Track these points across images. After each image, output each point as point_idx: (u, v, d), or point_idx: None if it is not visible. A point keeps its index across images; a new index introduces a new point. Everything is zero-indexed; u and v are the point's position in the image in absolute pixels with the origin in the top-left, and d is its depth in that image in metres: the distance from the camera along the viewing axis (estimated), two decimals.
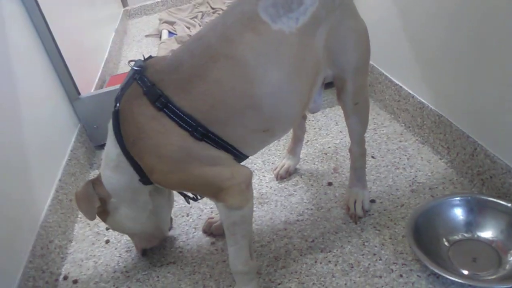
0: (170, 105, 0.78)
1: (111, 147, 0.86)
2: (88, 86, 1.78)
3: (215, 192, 0.82)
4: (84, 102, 1.56)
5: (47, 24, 1.42)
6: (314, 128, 1.46)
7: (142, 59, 0.85)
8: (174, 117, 0.78)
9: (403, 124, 1.36)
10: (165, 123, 0.78)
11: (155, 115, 0.78)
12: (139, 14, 3.50)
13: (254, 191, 1.22)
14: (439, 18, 1.05)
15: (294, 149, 1.26)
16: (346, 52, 0.89)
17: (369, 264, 0.94)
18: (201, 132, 0.78)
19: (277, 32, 0.80)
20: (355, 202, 1.07)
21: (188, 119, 0.78)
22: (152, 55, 0.88)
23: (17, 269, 0.95)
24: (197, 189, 0.87)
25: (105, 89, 1.58)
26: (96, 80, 1.92)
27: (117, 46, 2.65)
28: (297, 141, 1.24)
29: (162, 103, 0.77)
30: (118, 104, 0.82)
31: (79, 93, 1.55)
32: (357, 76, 0.93)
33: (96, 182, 0.92)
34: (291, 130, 1.23)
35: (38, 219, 1.10)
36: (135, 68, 0.82)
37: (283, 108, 0.83)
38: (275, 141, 1.44)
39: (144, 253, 1.11)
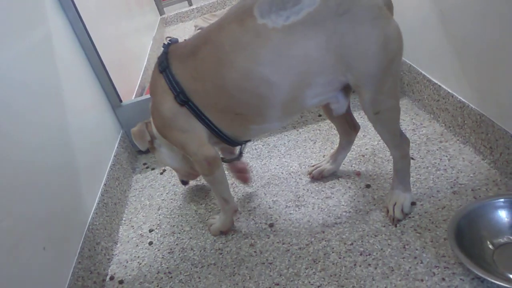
0: (167, 70, 0.97)
1: None
2: (129, 93, 1.85)
3: (189, 155, 1.05)
4: (126, 109, 1.62)
5: (90, 36, 1.49)
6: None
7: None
8: (167, 80, 0.97)
9: (443, 124, 1.33)
10: (163, 84, 0.98)
11: (158, 76, 1.00)
12: (175, 22, 3.59)
13: (291, 194, 1.24)
14: (480, 15, 1.02)
15: (335, 155, 1.25)
16: (360, 60, 0.88)
17: (410, 267, 0.93)
18: (181, 98, 0.96)
19: (260, 26, 0.87)
20: (394, 204, 1.05)
21: (175, 84, 0.96)
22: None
23: (67, 269, 1.00)
24: (179, 148, 1.07)
25: (145, 96, 1.63)
26: (137, 87, 1.99)
27: (156, 53, 2.73)
28: (340, 149, 1.23)
29: (163, 67, 0.98)
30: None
31: (121, 101, 1.62)
32: (375, 84, 0.90)
33: (148, 124, 1.16)
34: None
35: (85, 222, 1.16)
36: (168, 42, 1.02)
37: (251, 96, 0.91)
38: (311, 145, 1.44)
39: (183, 183, 1.39)
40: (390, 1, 0.93)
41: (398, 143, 1.02)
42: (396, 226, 1.03)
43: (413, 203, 1.08)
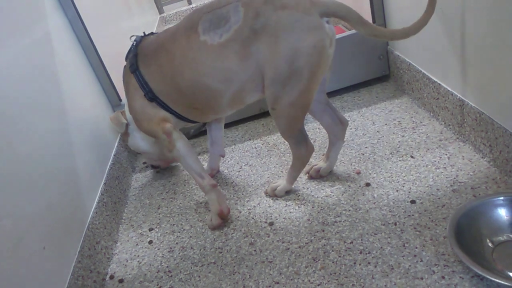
0: (137, 71, 1.13)
1: None
2: None
3: (156, 137, 1.19)
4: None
5: (89, 35, 1.49)
6: (351, 129, 1.45)
7: (143, 34, 1.20)
8: (137, 80, 1.13)
9: (443, 122, 1.32)
10: (134, 83, 1.15)
11: (129, 76, 1.16)
12: (175, 20, 3.59)
13: (290, 192, 1.24)
14: (479, 11, 1.02)
15: (327, 153, 1.26)
16: (267, 66, 0.99)
17: (410, 265, 0.93)
18: (149, 96, 1.13)
19: (202, 42, 1.03)
20: (274, 183, 1.26)
21: (144, 84, 1.13)
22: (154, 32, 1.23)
23: (67, 268, 1.00)
24: (148, 134, 1.21)
25: None
26: None
27: None
28: (330, 146, 1.24)
29: (133, 68, 1.14)
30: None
31: (120, 100, 1.62)
32: (275, 87, 1.01)
33: (123, 112, 1.39)
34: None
35: (85, 221, 1.16)
36: (136, 41, 1.18)
37: (201, 97, 1.09)
38: None
39: (153, 167, 1.57)
40: (335, 9, 0.98)
41: (294, 143, 1.13)
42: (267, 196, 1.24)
43: (412, 201, 1.08)
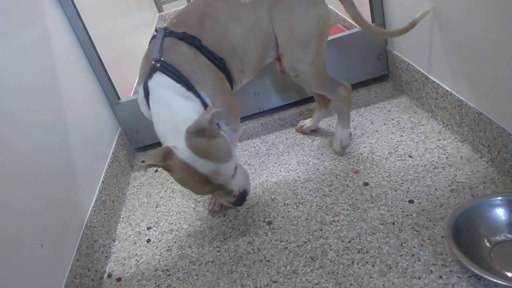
0: (202, 44, 1.06)
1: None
2: (127, 91, 1.85)
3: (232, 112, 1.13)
4: (124, 106, 1.62)
5: (88, 33, 1.48)
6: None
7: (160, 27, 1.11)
8: (206, 52, 1.06)
9: (441, 123, 1.33)
10: (204, 59, 1.06)
11: (198, 55, 1.06)
12: None
13: (289, 191, 1.24)
14: (477, 12, 1.02)
15: (313, 115, 1.49)
16: (282, 35, 1.16)
17: (408, 265, 0.93)
18: (221, 64, 1.09)
19: (237, 1, 1.13)
20: (335, 141, 1.33)
21: (213, 54, 1.07)
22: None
23: (65, 266, 1.00)
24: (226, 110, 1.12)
25: None
26: (135, 84, 1.99)
27: None
28: (316, 110, 1.47)
29: (197, 43, 1.06)
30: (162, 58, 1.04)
31: (119, 98, 1.61)
32: (292, 55, 1.16)
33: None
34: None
35: (83, 220, 1.16)
36: (162, 28, 1.08)
37: (247, 54, 1.14)
38: (309, 143, 1.44)
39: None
40: None
41: (330, 91, 1.27)
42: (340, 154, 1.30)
43: (410, 201, 1.08)
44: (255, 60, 1.17)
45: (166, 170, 0.98)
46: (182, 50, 1.04)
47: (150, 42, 1.12)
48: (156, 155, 0.95)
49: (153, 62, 1.03)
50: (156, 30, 1.10)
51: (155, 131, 1.03)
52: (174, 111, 0.99)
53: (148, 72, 1.03)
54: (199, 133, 0.94)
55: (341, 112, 1.31)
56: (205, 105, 1.04)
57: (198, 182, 0.97)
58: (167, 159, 0.95)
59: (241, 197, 1.03)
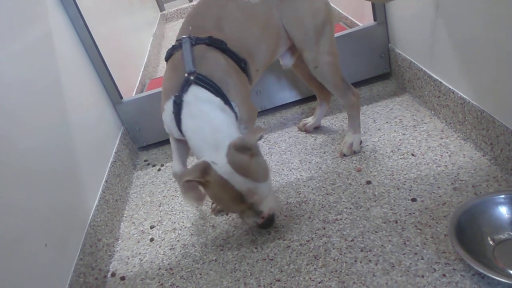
0: (228, 47, 1.04)
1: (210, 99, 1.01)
2: (129, 90, 1.85)
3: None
4: (126, 105, 1.62)
5: (90, 33, 1.48)
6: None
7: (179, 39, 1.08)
8: (232, 55, 1.05)
9: (444, 121, 1.32)
10: (230, 62, 1.04)
11: (225, 58, 1.04)
12: (176, 18, 3.59)
13: (291, 190, 1.24)
14: (480, 9, 1.02)
15: (315, 112, 1.49)
16: (297, 28, 1.18)
17: (411, 263, 0.93)
18: (243, 64, 1.07)
19: (247, 1, 1.13)
20: (345, 143, 1.32)
21: (236, 55, 1.05)
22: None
23: (69, 265, 1.01)
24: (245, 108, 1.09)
25: (146, 93, 1.63)
26: (137, 84, 1.99)
27: (156, 50, 2.73)
28: (318, 106, 1.47)
29: (223, 46, 1.04)
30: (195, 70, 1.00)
31: (121, 97, 1.62)
32: (311, 46, 1.19)
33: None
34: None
35: (87, 219, 1.16)
36: (186, 37, 1.04)
37: (261, 53, 1.14)
38: (312, 141, 1.44)
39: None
40: None
41: (342, 93, 1.28)
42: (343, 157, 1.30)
43: (413, 199, 1.08)
44: (267, 58, 1.18)
45: (201, 185, 0.97)
46: (213, 58, 1.02)
47: (172, 53, 1.07)
48: (195, 171, 0.93)
49: (186, 75, 0.99)
50: (177, 41, 1.06)
51: (190, 146, 1.00)
52: (215, 126, 0.96)
53: (181, 85, 0.98)
54: (241, 150, 0.94)
55: (352, 118, 1.32)
56: (236, 115, 1.02)
57: (233, 199, 0.96)
58: (205, 175, 0.94)
59: (270, 220, 1.03)
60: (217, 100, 0.98)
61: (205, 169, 0.94)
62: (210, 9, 1.12)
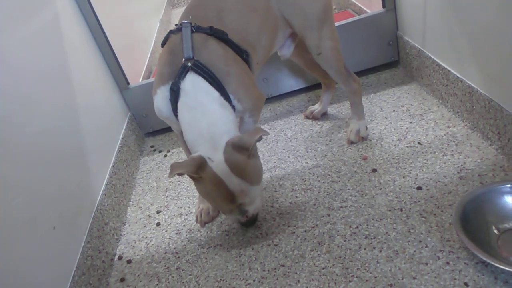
0: (229, 39, 1.01)
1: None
2: (136, 76, 1.85)
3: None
4: (133, 91, 1.63)
5: (97, 18, 1.48)
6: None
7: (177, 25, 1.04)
8: (233, 46, 1.02)
9: (452, 109, 1.32)
10: (232, 53, 1.01)
11: (226, 49, 1.01)
12: (182, 4, 3.56)
13: (297, 177, 1.25)
14: (490, 0, 1.01)
15: (321, 98, 1.50)
16: (298, 16, 1.16)
17: (415, 251, 0.93)
18: (245, 56, 1.05)
19: None
20: (351, 131, 1.32)
21: (238, 46, 1.02)
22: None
23: (77, 248, 1.02)
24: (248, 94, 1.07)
25: (152, 79, 1.64)
26: (144, 69, 1.99)
27: (162, 36, 2.72)
28: (323, 92, 1.49)
29: (225, 36, 1.01)
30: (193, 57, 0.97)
31: (128, 83, 1.62)
32: (313, 32, 1.18)
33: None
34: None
35: (94, 203, 1.17)
36: (188, 23, 1.00)
37: (261, 45, 1.12)
38: (318, 129, 1.44)
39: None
40: None
41: (345, 80, 1.28)
42: (351, 143, 1.31)
43: (419, 188, 1.08)
44: (266, 50, 1.16)
45: (192, 179, 0.96)
46: (213, 47, 0.98)
47: (168, 37, 1.03)
48: (190, 165, 0.91)
49: (184, 61, 0.95)
50: (176, 25, 1.02)
51: (185, 137, 0.97)
52: (213, 121, 0.94)
53: (178, 71, 0.95)
54: (239, 150, 0.92)
55: (355, 104, 1.33)
56: (233, 107, 0.99)
57: (224, 198, 0.95)
58: (199, 170, 0.92)
59: (253, 219, 1.04)
60: (216, 94, 0.95)
61: (200, 164, 0.92)
62: (211, 0, 1.09)
